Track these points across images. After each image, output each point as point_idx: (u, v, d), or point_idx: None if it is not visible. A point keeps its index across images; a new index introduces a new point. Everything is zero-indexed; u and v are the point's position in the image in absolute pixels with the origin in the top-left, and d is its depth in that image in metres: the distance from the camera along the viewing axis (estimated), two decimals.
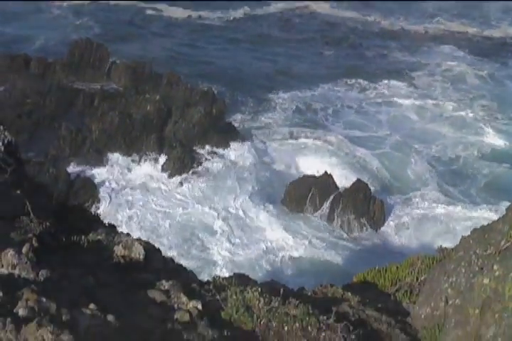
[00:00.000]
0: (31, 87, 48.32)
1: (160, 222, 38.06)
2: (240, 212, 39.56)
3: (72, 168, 41.13)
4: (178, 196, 40.70)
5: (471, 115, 57.24)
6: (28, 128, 43.14)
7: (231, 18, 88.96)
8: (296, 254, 36.10)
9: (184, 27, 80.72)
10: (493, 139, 52.72)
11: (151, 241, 8.66)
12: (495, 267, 7.73)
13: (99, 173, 41.76)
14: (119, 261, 7.76)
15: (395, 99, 60.11)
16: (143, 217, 38.38)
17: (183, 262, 10.16)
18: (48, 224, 8.19)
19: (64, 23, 73.04)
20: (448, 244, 11.44)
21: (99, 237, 8.58)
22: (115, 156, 43.36)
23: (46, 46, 62.69)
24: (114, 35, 68.06)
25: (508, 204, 9.32)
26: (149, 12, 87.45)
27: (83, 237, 8.38)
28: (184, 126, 45.79)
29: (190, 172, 42.51)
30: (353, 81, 63.92)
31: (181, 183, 41.72)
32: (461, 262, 8.55)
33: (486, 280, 7.73)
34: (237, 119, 51.06)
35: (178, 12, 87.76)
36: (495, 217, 9.68)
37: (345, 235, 38.73)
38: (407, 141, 50.72)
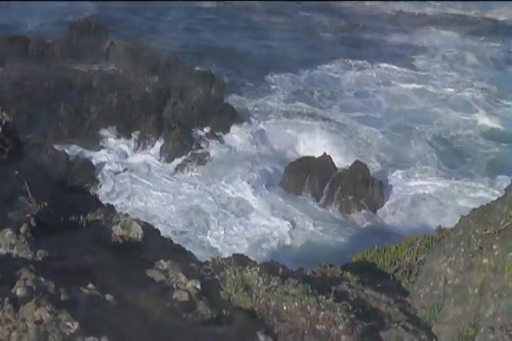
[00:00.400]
0: (30, 68, 48.08)
1: (157, 205, 38.02)
2: (239, 195, 39.48)
3: (71, 150, 41.07)
4: (176, 178, 40.64)
5: (470, 97, 57.07)
6: (27, 109, 42.91)
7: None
8: (294, 237, 36.09)
9: (179, 9, 79.98)
10: (493, 120, 52.63)
11: None
12: (494, 247, 7.74)
13: (97, 155, 41.70)
14: (117, 241, 7.75)
15: (394, 81, 59.90)
16: (140, 200, 38.35)
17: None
18: (46, 204, 8.18)
19: (59, 5, 72.15)
20: (447, 224, 11.43)
21: (97, 217, 8.58)
22: (114, 138, 43.30)
23: (41, 29, 61.97)
24: (109, 19, 67.16)
25: (507, 184, 9.31)
26: None
27: (81, 217, 8.37)
28: (183, 108, 45.66)
29: (189, 153, 42.40)
30: (351, 63, 63.65)
31: (180, 165, 41.59)
32: (460, 242, 8.55)
33: (485, 260, 7.74)
34: (235, 100, 50.89)
35: None
36: (494, 196, 9.69)
37: (343, 217, 38.72)
38: (406, 122, 50.62)
